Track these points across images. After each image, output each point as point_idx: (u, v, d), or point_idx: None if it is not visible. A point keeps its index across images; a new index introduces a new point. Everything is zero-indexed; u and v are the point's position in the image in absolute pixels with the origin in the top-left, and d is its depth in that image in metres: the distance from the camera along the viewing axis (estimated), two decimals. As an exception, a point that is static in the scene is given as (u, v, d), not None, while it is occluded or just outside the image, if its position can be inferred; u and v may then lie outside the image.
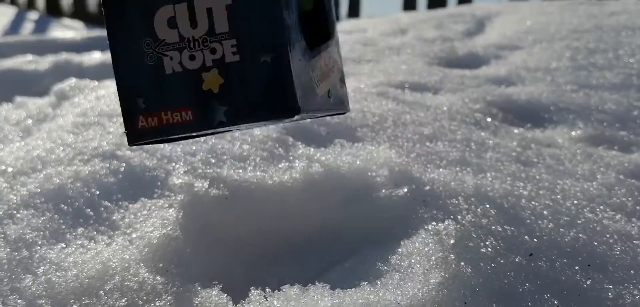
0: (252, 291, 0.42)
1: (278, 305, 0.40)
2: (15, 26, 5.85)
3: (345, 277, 0.46)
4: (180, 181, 0.56)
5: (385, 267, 0.48)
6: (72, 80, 1.14)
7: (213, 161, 0.62)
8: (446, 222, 0.52)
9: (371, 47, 1.44)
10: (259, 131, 0.70)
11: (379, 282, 0.45)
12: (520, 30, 1.48)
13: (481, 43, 1.42)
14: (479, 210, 0.56)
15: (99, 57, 2.22)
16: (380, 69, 1.19)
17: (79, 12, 5.71)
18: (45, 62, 2.15)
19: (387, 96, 0.94)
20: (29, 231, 0.51)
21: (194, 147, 0.65)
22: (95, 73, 1.97)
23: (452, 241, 0.49)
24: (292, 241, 0.55)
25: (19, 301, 0.43)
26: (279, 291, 0.42)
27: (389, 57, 1.32)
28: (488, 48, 1.35)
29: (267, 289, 0.42)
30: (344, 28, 2.02)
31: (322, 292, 0.41)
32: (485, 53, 1.31)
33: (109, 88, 1.03)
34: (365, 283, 0.45)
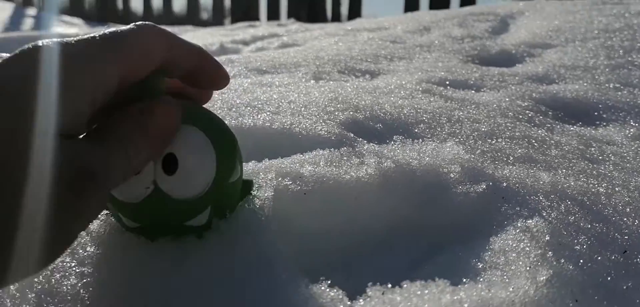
0: (370, 286, 0.41)
1: (399, 300, 0.39)
2: (14, 22, 5.82)
3: (442, 273, 0.45)
4: (268, 176, 0.54)
5: (480, 264, 0.47)
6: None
7: (287, 157, 0.61)
8: (534, 220, 0.51)
9: (400, 45, 1.43)
10: (323, 129, 0.69)
11: (481, 279, 0.44)
12: (550, 29, 1.47)
13: (512, 41, 1.41)
14: (562, 207, 0.55)
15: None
16: (416, 66, 1.18)
17: (76, 9, 5.68)
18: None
19: (433, 93, 0.93)
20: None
21: (266, 144, 0.64)
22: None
23: (547, 238, 0.48)
24: (373, 237, 0.54)
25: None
26: (399, 286, 0.41)
27: (420, 54, 1.31)
28: (520, 46, 1.34)
29: (388, 284, 0.41)
30: (363, 26, 2.01)
31: (443, 288, 0.40)
32: (518, 51, 1.30)
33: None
34: (467, 280, 0.44)
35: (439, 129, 0.76)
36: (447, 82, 1.02)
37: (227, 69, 1.12)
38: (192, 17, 5.62)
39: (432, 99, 0.89)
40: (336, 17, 5.71)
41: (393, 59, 1.27)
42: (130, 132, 0.38)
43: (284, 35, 2.44)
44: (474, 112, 0.83)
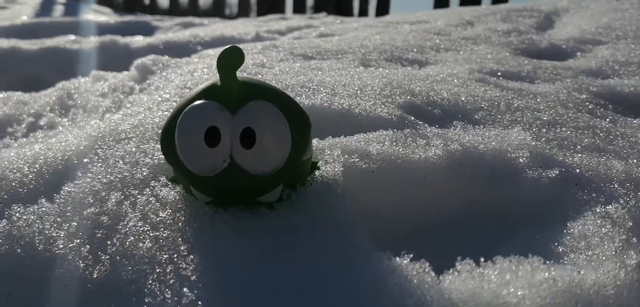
0: (459, 260, 0.40)
1: (492, 275, 0.37)
2: (45, 8, 5.92)
3: (525, 252, 0.43)
4: (335, 153, 0.54)
5: (561, 248, 0.45)
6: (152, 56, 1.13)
7: (350, 136, 0.60)
8: (613, 206, 0.49)
9: (445, 37, 1.41)
10: (383, 111, 0.68)
11: (566, 260, 0.43)
12: (598, 26, 1.44)
13: (560, 37, 1.38)
14: (639, 195, 0.53)
15: (144, 39, 2.23)
16: (464, 57, 1.16)
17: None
18: (90, 43, 2.16)
19: (487, 82, 0.91)
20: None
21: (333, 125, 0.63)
22: (145, 54, 1.98)
23: (629, 224, 0.46)
24: (443, 217, 0.53)
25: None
26: (492, 261, 0.40)
27: (466, 46, 1.29)
28: (569, 41, 1.31)
29: (481, 259, 0.40)
30: (402, 19, 1.99)
31: (537, 265, 0.39)
32: (568, 46, 1.27)
33: (198, 64, 1.02)
34: (551, 261, 0.42)
35: (499, 116, 0.74)
36: (499, 74, 1.00)
37: (273, 54, 1.11)
38: (218, 10, 5.64)
39: (487, 88, 0.87)
40: (363, 14, 5.68)
41: (439, 50, 1.25)
42: None
43: (320, 26, 2.43)
44: (533, 102, 0.81)
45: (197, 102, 0.45)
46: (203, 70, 0.93)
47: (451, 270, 0.39)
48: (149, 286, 0.38)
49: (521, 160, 0.58)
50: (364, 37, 1.41)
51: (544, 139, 0.66)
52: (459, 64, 1.08)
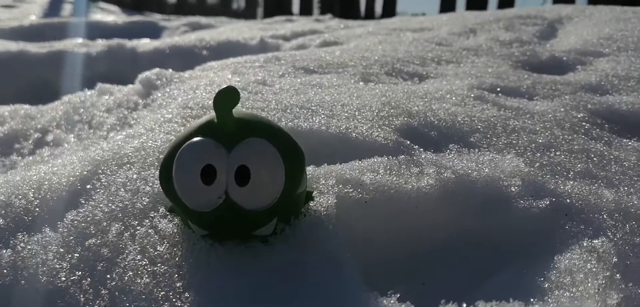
0: (443, 303, 0.41)
1: (476, 321, 0.39)
2: (53, 8, 5.97)
3: (509, 291, 0.45)
4: (329, 182, 0.55)
5: (547, 283, 0.47)
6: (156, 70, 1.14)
7: (346, 163, 0.61)
8: (600, 240, 0.51)
9: (446, 48, 1.42)
10: (379, 135, 0.70)
11: (549, 299, 0.44)
12: (601, 36, 1.44)
13: (562, 47, 1.39)
14: (627, 227, 0.54)
15: (150, 43, 2.25)
16: (465, 71, 1.17)
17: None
18: (97, 46, 2.18)
19: (486, 100, 0.92)
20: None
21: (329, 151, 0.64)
22: (151, 59, 2.00)
23: (614, 259, 0.47)
24: (435, 247, 0.54)
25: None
26: (473, 305, 0.41)
27: (468, 58, 1.30)
28: (570, 53, 1.32)
29: (463, 304, 0.41)
30: (409, 25, 2.00)
31: None
32: (569, 58, 1.28)
33: (201, 80, 1.03)
34: (535, 300, 0.44)
35: (495, 139, 0.75)
36: (499, 89, 1.01)
37: (275, 68, 1.13)
38: (225, 8, 5.66)
39: (485, 107, 0.88)
40: (370, 13, 5.68)
41: (441, 62, 1.26)
42: None
43: (324, 31, 2.44)
44: (530, 122, 0.82)
45: (194, 139, 0.47)
46: (205, 87, 0.95)
47: (435, 312, 0.41)
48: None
49: (513, 189, 0.59)
50: (366, 48, 1.42)
51: (537, 164, 0.67)
52: (459, 78, 1.09)
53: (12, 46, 2.09)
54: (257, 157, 0.45)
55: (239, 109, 0.49)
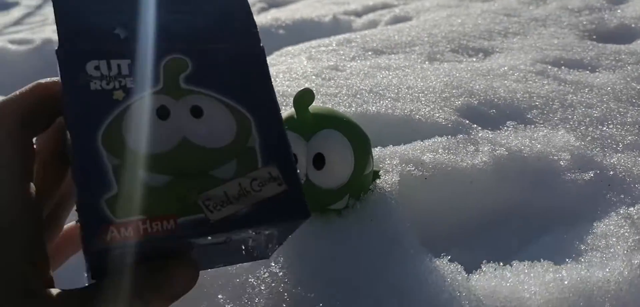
0: (484, 262, 0.50)
1: (510, 275, 0.47)
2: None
3: (547, 253, 0.52)
4: (393, 162, 0.64)
5: (583, 246, 0.54)
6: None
7: (408, 144, 0.70)
8: (636, 207, 0.57)
9: (514, 19, 1.45)
10: (440, 116, 0.77)
11: (582, 259, 0.51)
12: (675, -1, 1.42)
13: (632, 14, 1.38)
14: (665, 196, 0.59)
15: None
16: (530, 44, 1.21)
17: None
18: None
19: (547, 75, 0.97)
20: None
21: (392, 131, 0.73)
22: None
23: (646, 225, 0.54)
24: (486, 217, 0.62)
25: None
26: (510, 265, 0.49)
27: (536, 30, 1.33)
28: (638, 22, 1.32)
29: (500, 262, 0.50)
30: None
31: (546, 267, 0.48)
32: (638, 26, 1.28)
33: (279, 66, 1.14)
34: (569, 260, 0.51)
35: (551, 115, 0.81)
36: (562, 62, 1.05)
37: (346, 50, 1.22)
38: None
39: (545, 82, 0.93)
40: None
41: (507, 35, 1.30)
42: (141, 289, 0.33)
43: (394, 4, 2.49)
44: (588, 96, 0.87)
45: None
46: (284, 74, 1.05)
47: (478, 270, 0.49)
48: (250, 281, 0.51)
49: (562, 163, 0.66)
50: (434, 23, 1.47)
51: (588, 138, 0.73)
52: (523, 52, 1.13)
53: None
54: (331, 145, 0.55)
55: (315, 103, 0.59)
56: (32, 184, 0.34)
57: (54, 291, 0.32)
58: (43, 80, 0.36)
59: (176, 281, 0.34)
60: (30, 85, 0.36)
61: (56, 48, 0.34)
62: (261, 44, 0.39)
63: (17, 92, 0.35)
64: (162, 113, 0.35)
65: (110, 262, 0.33)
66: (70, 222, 0.43)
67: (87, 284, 0.34)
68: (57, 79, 0.35)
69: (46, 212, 0.38)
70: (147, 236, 0.32)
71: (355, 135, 0.57)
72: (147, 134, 0.34)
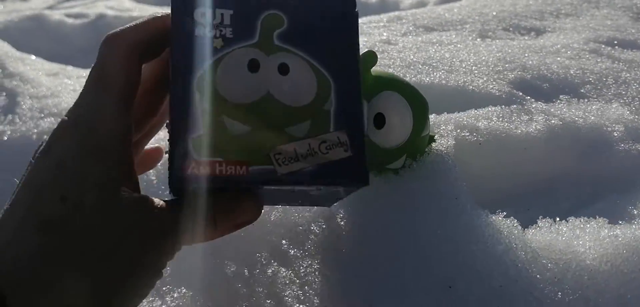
0: (540, 218, 0.52)
1: (566, 230, 0.49)
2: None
3: (601, 214, 0.54)
4: (448, 127, 0.66)
5: (636, 211, 0.55)
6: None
7: (463, 112, 0.72)
8: (691, 176, 0.58)
9: (566, 0, 1.43)
10: (494, 87, 0.79)
11: (635, 222, 0.53)
12: None
13: (690, -4, 1.36)
14: None
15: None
16: (583, 24, 1.20)
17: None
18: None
19: (601, 53, 0.97)
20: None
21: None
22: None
23: (701, 194, 0.55)
24: (539, 183, 0.64)
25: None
26: (565, 220, 0.51)
27: (588, 11, 1.32)
28: (698, 2, 1.29)
29: (556, 218, 0.52)
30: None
31: (602, 224, 0.50)
32: (696, 8, 1.26)
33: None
34: (623, 222, 0.53)
35: (605, 90, 0.81)
36: (615, 42, 1.05)
37: (397, 27, 1.24)
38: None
39: (599, 60, 0.93)
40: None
41: (559, 16, 1.30)
42: (213, 212, 0.38)
43: (443, -14, 2.48)
44: (642, 74, 0.87)
45: None
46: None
47: (534, 225, 0.51)
48: (313, 228, 0.54)
49: (615, 134, 0.67)
50: (485, 3, 1.47)
51: (643, 113, 0.73)
52: (576, 32, 1.13)
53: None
54: (390, 106, 0.58)
55: (374, 68, 0.61)
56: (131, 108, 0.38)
57: (145, 196, 0.37)
58: (159, 13, 0.39)
59: (243, 211, 0.39)
60: (148, 16, 0.39)
61: None
62: (356, 9, 0.41)
63: (135, 23, 0.39)
64: (252, 66, 0.38)
65: (189, 190, 0.37)
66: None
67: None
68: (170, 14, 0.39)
69: (139, 135, 0.43)
70: (221, 176, 0.36)
71: (415, 98, 0.59)
72: (236, 84, 0.38)
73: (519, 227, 0.50)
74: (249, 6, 0.38)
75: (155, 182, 0.65)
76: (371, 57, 0.59)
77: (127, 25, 0.39)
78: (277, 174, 0.37)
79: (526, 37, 1.15)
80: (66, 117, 0.36)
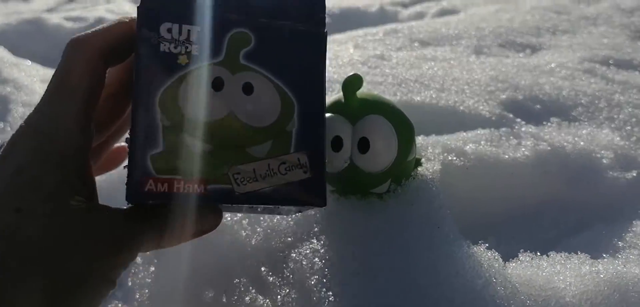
0: (521, 251, 0.51)
1: (547, 266, 0.48)
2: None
3: (585, 247, 0.53)
4: (436, 150, 0.66)
5: (621, 243, 0.54)
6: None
7: (451, 134, 0.71)
8: (679, 209, 0.57)
9: (565, 16, 1.43)
10: (484, 109, 0.78)
11: (619, 256, 0.52)
12: None
13: (688, 15, 1.35)
14: None
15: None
16: (580, 42, 1.19)
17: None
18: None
19: (595, 74, 0.96)
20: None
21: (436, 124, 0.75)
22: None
23: (687, 227, 0.54)
24: (525, 209, 0.63)
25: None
26: (547, 255, 0.51)
27: (585, 28, 1.31)
28: (696, 21, 1.29)
29: (537, 253, 0.51)
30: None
31: (583, 260, 0.49)
32: (694, 27, 1.25)
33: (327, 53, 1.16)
34: (606, 255, 0.52)
35: (596, 113, 0.81)
36: (611, 62, 1.04)
37: (392, 40, 1.23)
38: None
39: (592, 81, 0.92)
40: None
41: (556, 33, 1.29)
42: (172, 220, 0.39)
43: (443, -3, 2.47)
44: (635, 96, 0.86)
45: (327, 114, 0.59)
46: (331, 61, 1.07)
47: (515, 258, 0.51)
48: (293, 256, 0.54)
49: (604, 161, 0.66)
50: (482, 18, 1.47)
51: (633, 138, 0.72)
52: (571, 50, 1.12)
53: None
54: (376, 130, 0.57)
55: (361, 89, 0.61)
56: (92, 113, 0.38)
57: (102, 204, 0.37)
58: (127, 18, 0.39)
59: (201, 221, 0.40)
60: (115, 19, 0.39)
61: (138, 4, 0.37)
62: (325, 30, 0.41)
63: (103, 26, 0.38)
64: (217, 84, 0.38)
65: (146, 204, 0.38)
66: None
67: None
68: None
69: (102, 138, 0.43)
70: (178, 193, 0.36)
71: (400, 122, 0.59)
72: (199, 103, 0.37)
73: (500, 260, 0.49)
74: (217, 23, 0.38)
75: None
76: (356, 80, 0.58)
77: (93, 29, 0.38)
78: (234, 193, 0.37)
79: (521, 54, 1.14)
80: (25, 124, 0.36)
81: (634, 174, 0.63)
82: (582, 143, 0.69)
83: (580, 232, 0.59)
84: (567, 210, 0.63)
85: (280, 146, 0.39)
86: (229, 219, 0.59)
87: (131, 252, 0.37)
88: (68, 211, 0.35)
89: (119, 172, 0.46)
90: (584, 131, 0.73)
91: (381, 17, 2.12)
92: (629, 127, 0.76)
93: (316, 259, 0.53)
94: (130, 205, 0.38)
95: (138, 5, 0.37)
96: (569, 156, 0.67)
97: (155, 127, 0.36)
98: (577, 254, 0.50)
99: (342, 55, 1.11)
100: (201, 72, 0.37)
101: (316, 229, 0.56)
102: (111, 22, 0.39)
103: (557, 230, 0.60)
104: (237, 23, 0.38)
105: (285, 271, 0.53)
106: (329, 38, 1.44)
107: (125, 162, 0.37)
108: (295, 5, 0.40)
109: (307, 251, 0.54)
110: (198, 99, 0.37)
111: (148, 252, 0.59)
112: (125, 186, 0.36)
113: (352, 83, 0.58)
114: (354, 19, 1.86)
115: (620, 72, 0.99)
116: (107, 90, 0.39)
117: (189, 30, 0.37)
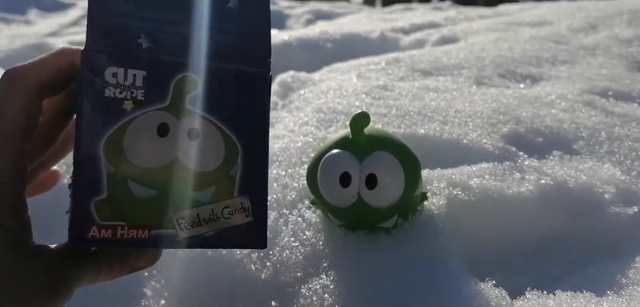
0: (528, 290, 0.52)
1: (553, 305, 0.49)
2: None
3: (589, 284, 0.54)
4: (441, 185, 0.67)
5: (624, 279, 0.55)
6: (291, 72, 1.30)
7: (456, 167, 0.72)
8: (680, 245, 0.58)
9: (563, 47, 1.45)
10: (487, 142, 0.80)
11: (623, 293, 0.53)
12: None
13: (685, 46, 1.38)
14: None
15: (278, 35, 2.44)
16: (578, 73, 1.21)
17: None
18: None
19: (595, 106, 0.98)
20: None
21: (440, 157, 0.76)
22: (281, 52, 2.19)
23: (689, 264, 0.55)
24: (530, 244, 0.64)
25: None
26: (553, 293, 0.52)
27: (584, 58, 1.33)
28: (694, 52, 1.31)
29: (543, 290, 0.52)
30: (524, 19, 2.02)
31: (588, 298, 0.50)
32: (692, 59, 1.28)
33: (330, 82, 1.18)
34: (610, 292, 0.53)
35: (597, 147, 0.82)
36: (610, 93, 1.06)
37: (395, 70, 1.25)
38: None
39: (592, 113, 0.94)
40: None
41: (555, 63, 1.31)
42: (112, 257, 0.40)
43: (443, 24, 2.50)
44: (635, 129, 0.88)
45: (335, 150, 0.60)
46: (335, 91, 1.09)
47: (522, 296, 0.52)
48: (302, 291, 0.55)
49: (606, 196, 0.67)
50: (482, 47, 1.49)
51: (634, 172, 0.74)
52: (571, 82, 1.14)
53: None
54: (383, 167, 0.58)
55: (371, 126, 0.62)
56: (26, 146, 0.37)
57: (38, 244, 0.37)
58: (67, 48, 0.38)
59: (139, 259, 0.40)
60: (54, 50, 0.38)
61: (83, 48, 0.37)
62: (270, 73, 0.41)
63: (41, 57, 0.37)
64: (162, 130, 0.38)
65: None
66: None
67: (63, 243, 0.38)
68: (80, 48, 0.37)
69: (35, 164, 0.43)
70: (122, 239, 0.37)
71: (407, 158, 0.60)
72: (144, 149, 0.37)
73: (508, 298, 0.50)
74: (163, 67, 0.37)
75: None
76: (364, 118, 0.60)
77: (30, 61, 0.37)
78: (178, 237, 0.38)
79: (521, 85, 1.16)
80: None
81: (636, 210, 0.64)
82: (584, 177, 0.70)
83: (584, 268, 0.60)
84: (570, 245, 0.64)
85: (224, 191, 0.39)
86: (239, 254, 0.60)
87: (69, 291, 0.37)
88: (2, 257, 0.34)
89: (55, 192, 0.47)
90: (585, 165, 0.75)
91: (382, 44, 2.14)
92: (629, 162, 0.77)
93: (326, 294, 0.54)
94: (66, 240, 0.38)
95: (82, 49, 0.36)
96: (572, 190, 0.68)
97: (99, 173, 0.36)
98: (582, 292, 0.51)
99: (345, 86, 1.13)
100: (147, 117, 0.37)
101: (325, 264, 0.57)
102: (51, 52, 0.38)
103: (562, 267, 0.61)
104: (182, 67, 0.38)
105: (295, 306, 0.54)
106: (333, 67, 1.46)
107: (67, 207, 0.37)
108: (241, 48, 0.40)
109: (317, 287, 0.55)
110: (143, 146, 0.37)
111: (158, 287, 0.59)
112: (68, 230, 0.36)
113: (360, 121, 0.60)
114: (355, 47, 1.89)
115: (619, 104, 1.01)
116: (42, 118, 0.38)
117: (134, 75, 0.37)
